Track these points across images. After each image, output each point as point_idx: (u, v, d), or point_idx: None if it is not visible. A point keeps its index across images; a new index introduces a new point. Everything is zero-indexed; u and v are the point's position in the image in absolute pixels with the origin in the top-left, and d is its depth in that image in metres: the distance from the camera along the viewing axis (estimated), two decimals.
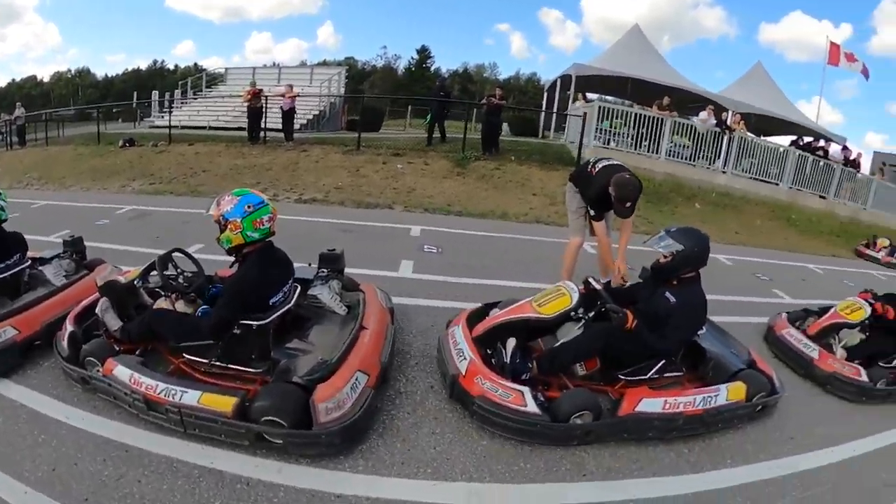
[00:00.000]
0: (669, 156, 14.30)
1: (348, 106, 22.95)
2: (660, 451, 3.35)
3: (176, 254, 3.76)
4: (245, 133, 15.25)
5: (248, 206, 3.24)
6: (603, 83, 21.20)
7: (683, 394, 3.60)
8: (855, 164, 17.42)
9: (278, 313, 3.35)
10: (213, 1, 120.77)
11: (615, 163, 5.06)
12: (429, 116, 14.54)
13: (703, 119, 14.76)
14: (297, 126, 16.24)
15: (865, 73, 25.08)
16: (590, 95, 20.11)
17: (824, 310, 5.57)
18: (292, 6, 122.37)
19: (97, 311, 3.59)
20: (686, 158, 14.55)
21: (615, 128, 14.42)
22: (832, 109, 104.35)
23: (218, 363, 3.35)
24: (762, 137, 17.91)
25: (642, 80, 19.18)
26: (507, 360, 3.53)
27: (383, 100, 32.59)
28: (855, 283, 8.96)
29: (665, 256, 3.70)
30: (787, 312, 5.76)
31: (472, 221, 9.26)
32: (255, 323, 3.25)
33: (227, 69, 24.83)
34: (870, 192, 17.38)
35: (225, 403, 2.90)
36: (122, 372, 3.11)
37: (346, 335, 3.48)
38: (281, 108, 15.13)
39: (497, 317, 3.77)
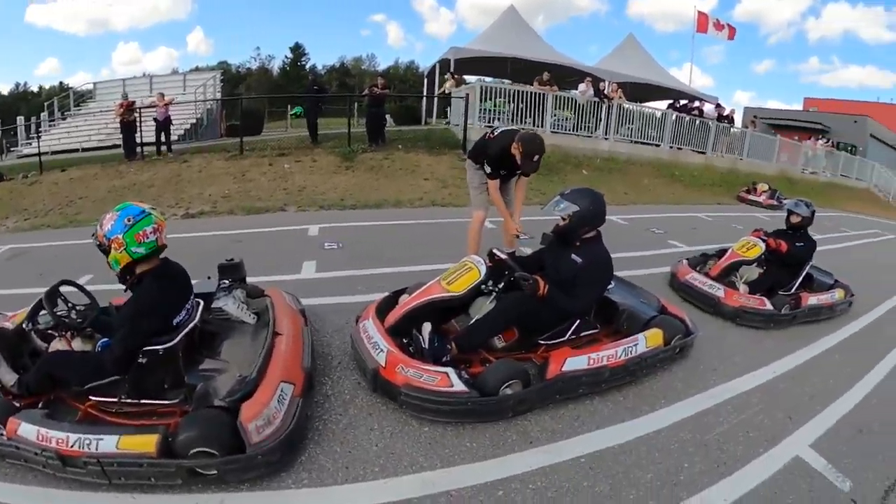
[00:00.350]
0: (554, 129, 14.60)
1: (226, 111, 22.13)
2: (597, 404, 3.46)
3: (64, 287, 3.35)
4: (121, 150, 14.25)
5: (128, 220, 2.95)
6: (482, 65, 21.49)
7: (605, 347, 3.67)
8: (729, 120, 18.69)
9: (184, 333, 3.08)
10: (76, 13, 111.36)
11: (514, 128, 5.24)
12: (296, 109, 14.27)
13: (583, 91, 15.19)
14: (174, 137, 15.34)
15: (732, 35, 27.08)
16: (470, 77, 20.37)
17: (722, 252, 6.07)
18: (160, 13, 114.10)
19: (424, 341, 3.30)
20: (570, 129, 14.94)
21: (498, 107, 14.53)
22: (703, 74, 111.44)
23: (129, 400, 3.03)
24: (640, 104, 18.66)
25: (521, 58, 19.62)
26: (426, 344, 3.45)
27: (262, 101, 31.34)
28: (743, 226, 9.50)
29: (563, 219, 3.76)
30: (687, 259, 6.18)
31: (368, 213, 8.98)
32: (160, 347, 2.98)
33: (95, 84, 22.96)
34: (745, 144, 18.78)
35: (146, 443, 2.65)
36: (27, 430, 2.74)
37: (261, 345, 3.28)
38: (155, 119, 14.29)
39: (407, 303, 3.70)
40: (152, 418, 2.95)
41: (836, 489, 2.91)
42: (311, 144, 13.61)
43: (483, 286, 3.66)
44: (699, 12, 25.10)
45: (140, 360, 2.94)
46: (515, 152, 4.73)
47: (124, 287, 3.13)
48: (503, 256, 3.83)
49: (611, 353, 3.60)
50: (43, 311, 3.28)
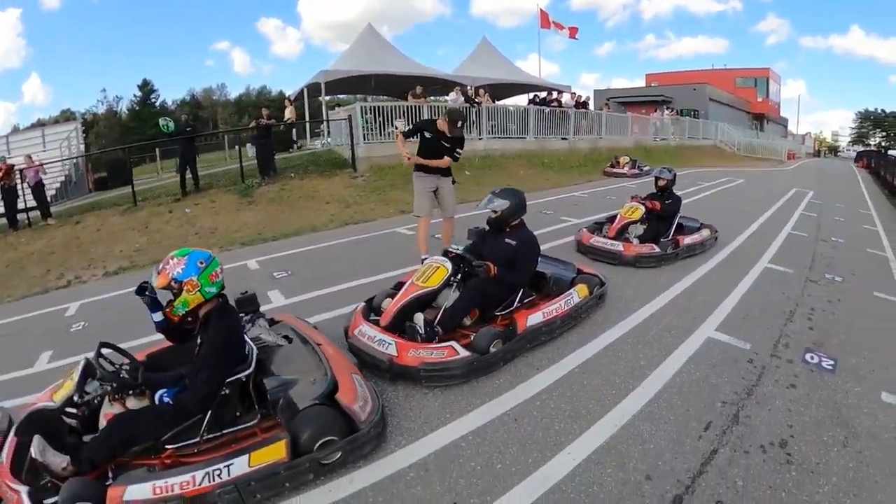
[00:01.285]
0: None
1: (91, 165, 21.19)
2: (558, 342, 4.54)
3: (104, 349, 3.23)
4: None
5: (201, 262, 3.14)
6: (347, 84, 22.27)
7: (553, 303, 4.68)
8: (584, 105, 20.77)
9: (255, 358, 3.29)
10: None
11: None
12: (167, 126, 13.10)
13: (454, 99, 16.50)
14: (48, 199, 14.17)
15: (573, 35, 29.25)
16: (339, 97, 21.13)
17: (612, 217, 7.64)
18: None
19: (34, 454, 2.91)
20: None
21: (368, 123, 15.11)
22: (549, 62, 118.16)
23: (210, 435, 3.10)
24: (503, 102, 20.24)
25: (386, 74, 20.47)
26: (422, 331, 4.09)
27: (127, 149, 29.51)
28: (616, 197, 11.58)
29: (495, 212, 4.81)
30: (585, 227, 7.73)
31: (291, 241, 9.33)
32: (243, 374, 3.19)
33: None
34: (601, 125, 20.86)
35: (277, 451, 2.87)
36: (138, 490, 2.69)
37: (313, 355, 3.64)
38: (27, 183, 13.36)
39: (395, 303, 4.36)
40: (231, 446, 3.01)
41: (740, 349, 4.43)
42: (187, 193, 12.85)
43: (453, 278, 4.45)
44: (541, 10, 27.38)
45: (223, 393, 3.09)
46: (443, 125, 6.04)
47: (173, 331, 3.34)
48: (458, 251, 4.62)
49: (558, 306, 4.65)
50: (92, 379, 3.15)
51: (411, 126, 6.74)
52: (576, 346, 4.47)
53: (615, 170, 17.22)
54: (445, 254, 4.67)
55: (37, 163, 14.10)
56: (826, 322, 5.12)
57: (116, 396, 3.16)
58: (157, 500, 2.67)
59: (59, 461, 2.88)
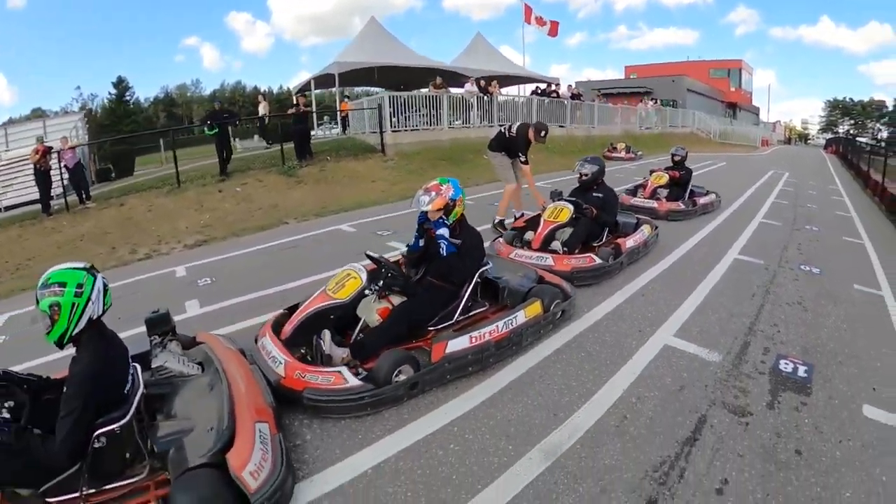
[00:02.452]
0: (450, 125, 17.58)
1: (96, 155, 21.04)
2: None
3: None
4: (24, 205, 13.66)
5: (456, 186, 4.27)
6: (353, 75, 23.71)
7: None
8: (579, 97, 22.78)
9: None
10: None
11: (522, 122, 7.80)
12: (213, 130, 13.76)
13: (469, 89, 18.38)
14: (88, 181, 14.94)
15: (553, 32, 31.05)
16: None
17: (641, 185, 9.34)
18: None
19: (325, 348, 3.44)
20: (464, 123, 18.01)
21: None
22: (518, 53, 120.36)
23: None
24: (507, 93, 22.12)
25: (397, 66, 22.05)
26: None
27: (130, 141, 29.98)
28: (622, 175, 13.66)
29: (585, 174, 6.69)
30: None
31: (360, 212, 10.53)
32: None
33: None
34: (594, 115, 22.91)
35: None
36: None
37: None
38: (65, 166, 13.33)
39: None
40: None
41: (756, 264, 6.41)
42: (229, 174, 13.73)
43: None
44: (525, 5, 29.18)
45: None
46: (532, 136, 7.41)
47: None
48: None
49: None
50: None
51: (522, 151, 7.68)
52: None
53: (613, 154, 19.28)
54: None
55: (72, 144, 14.33)
56: (809, 249, 7.38)
57: (384, 293, 3.97)
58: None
59: (339, 351, 3.52)
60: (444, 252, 4.32)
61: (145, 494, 2.70)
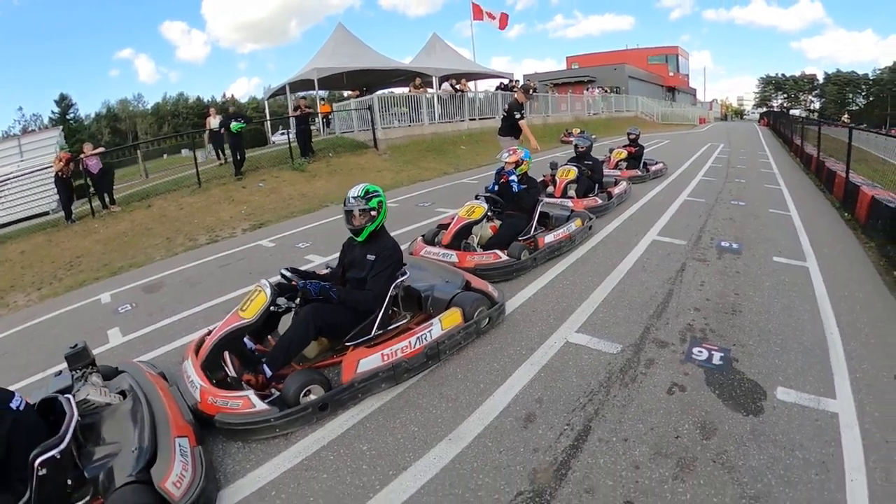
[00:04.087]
0: (431, 121, 20.23)
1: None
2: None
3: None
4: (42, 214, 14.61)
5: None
6: (322, 80, 25.78)
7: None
8: (534, 90, 25.80)
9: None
10: None
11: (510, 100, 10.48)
12: (237, 125, 14.73)
13: (446, 89, 21.18)
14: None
15: (503, 25, 33.77)
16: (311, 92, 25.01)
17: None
18: None
19: (233, 370, 3.61)
20: (439, 119, 20.68)
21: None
22: (461, 48, 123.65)
23: None
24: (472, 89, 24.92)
25: (362, 69, 24.58)
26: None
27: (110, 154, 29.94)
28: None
29: (581, 147, 9.31)
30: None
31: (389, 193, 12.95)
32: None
33: None
34: (548, 105, 26.03)
35: None
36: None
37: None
38: (88, 170, 13.80)
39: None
40: None
41: (701, 202, 9.37)
42: (242, 174, 15.00)
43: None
44: (473, 3, 31.48)
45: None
46: (521, 97, 10.07)
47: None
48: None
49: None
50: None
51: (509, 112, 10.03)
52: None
53: (570, 138, 22.18)
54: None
55: (96, 150, 14.72)
56: (738, 192, 10.23)
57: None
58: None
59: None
60: (515, 189, 6.45)
61: None
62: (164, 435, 3.17)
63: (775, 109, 61.52)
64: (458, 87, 21.45)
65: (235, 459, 3.36)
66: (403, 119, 19.67)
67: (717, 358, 4.02)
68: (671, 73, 56.00)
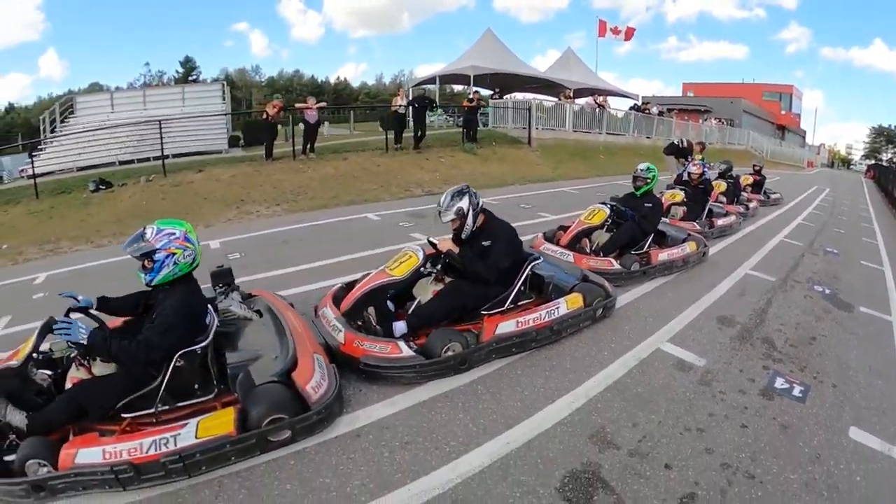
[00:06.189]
0: (574, 129, 24.17)
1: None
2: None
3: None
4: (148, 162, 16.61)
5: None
6: (451, 76, 30.63)
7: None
8: (661, 114, 29.52)
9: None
10: None
11: (689, 139, 14.43)
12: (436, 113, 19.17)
13: (590, 103, 25.28)
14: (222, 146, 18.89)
15: (629, 36, 37.13)
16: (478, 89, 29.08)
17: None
18: (7, 34, 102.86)
19: None
20: (582, 128, 24.61)
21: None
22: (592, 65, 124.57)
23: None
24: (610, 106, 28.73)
25: (505, 73, 28.39)
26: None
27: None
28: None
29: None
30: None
31: (567, 182, 16.62)
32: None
33: (73, 98, 22.01)
34: (672, 129, 29.60)
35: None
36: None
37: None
38: (306, 121, 16.70)
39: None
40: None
41: (813, 225, 12.61)
42: (417, 150, 17.95)
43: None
44: (599, 20, 35.22)
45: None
46: (697, 148, 13.94)
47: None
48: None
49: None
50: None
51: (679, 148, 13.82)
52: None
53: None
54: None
55: (319, 104, 17.69)
56: (836, 240, 13.20)
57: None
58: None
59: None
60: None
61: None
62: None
63: (883, 163, 61.66)
64: (599, 102, 25.27)
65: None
66: (546, 123, 23.27)
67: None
68: (783, 112, 57.93)
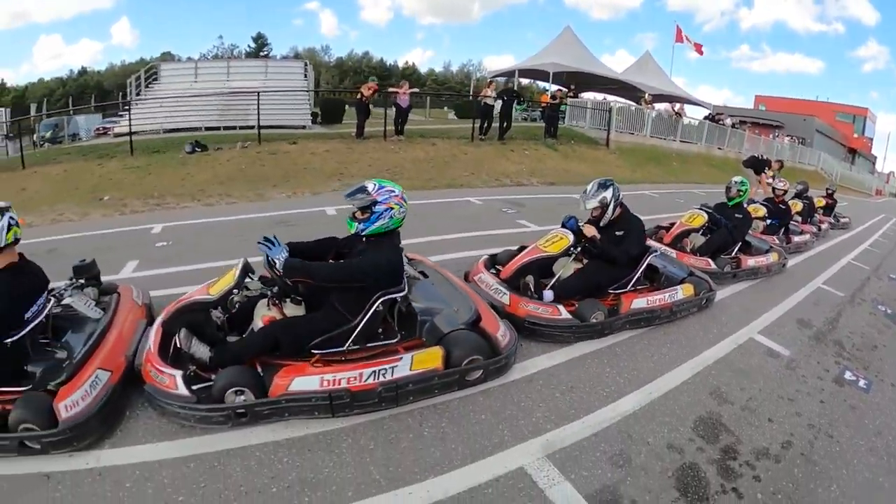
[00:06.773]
0: (651, 135, 25.00)
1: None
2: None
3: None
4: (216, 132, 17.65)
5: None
6: (539, 72, 31.50)
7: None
8: (735, 126, 30.18)
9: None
10: None
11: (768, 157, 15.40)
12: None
13: (668, 111, 26.15)
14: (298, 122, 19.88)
15: (699, 50, 37.70)
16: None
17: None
18: (82, 2, 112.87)
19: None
20: (656, 135, 25.39)
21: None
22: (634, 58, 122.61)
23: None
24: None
25: (584, 72, 29.55)
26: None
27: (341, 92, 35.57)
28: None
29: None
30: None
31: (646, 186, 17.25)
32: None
33: (158, 65, 22.51)
34: (744, 142, 30.18)
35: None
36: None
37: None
38: (398, 104, 17.79)
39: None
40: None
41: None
42: (501, 141, 19.14)
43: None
44: (677, 25, 35.84)
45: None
46: (776, 165, 15.00)
47: None
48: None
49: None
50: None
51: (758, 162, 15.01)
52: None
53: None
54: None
55: (411, 89, 19.04)
56: None
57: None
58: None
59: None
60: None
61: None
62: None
63: None
64: (677, 110, 26.16)
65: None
66: (625, 126, 24.13)
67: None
68: (855, 135, 56.84)
